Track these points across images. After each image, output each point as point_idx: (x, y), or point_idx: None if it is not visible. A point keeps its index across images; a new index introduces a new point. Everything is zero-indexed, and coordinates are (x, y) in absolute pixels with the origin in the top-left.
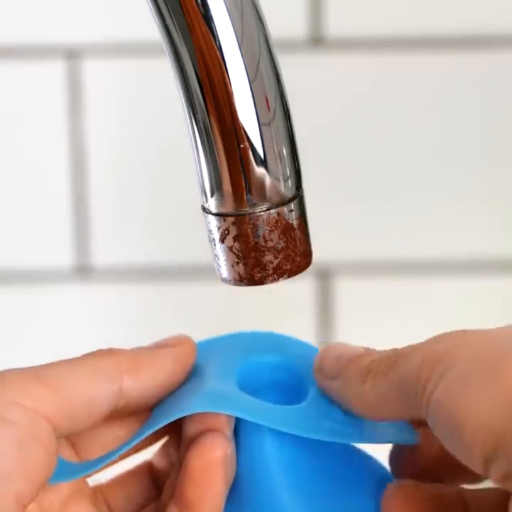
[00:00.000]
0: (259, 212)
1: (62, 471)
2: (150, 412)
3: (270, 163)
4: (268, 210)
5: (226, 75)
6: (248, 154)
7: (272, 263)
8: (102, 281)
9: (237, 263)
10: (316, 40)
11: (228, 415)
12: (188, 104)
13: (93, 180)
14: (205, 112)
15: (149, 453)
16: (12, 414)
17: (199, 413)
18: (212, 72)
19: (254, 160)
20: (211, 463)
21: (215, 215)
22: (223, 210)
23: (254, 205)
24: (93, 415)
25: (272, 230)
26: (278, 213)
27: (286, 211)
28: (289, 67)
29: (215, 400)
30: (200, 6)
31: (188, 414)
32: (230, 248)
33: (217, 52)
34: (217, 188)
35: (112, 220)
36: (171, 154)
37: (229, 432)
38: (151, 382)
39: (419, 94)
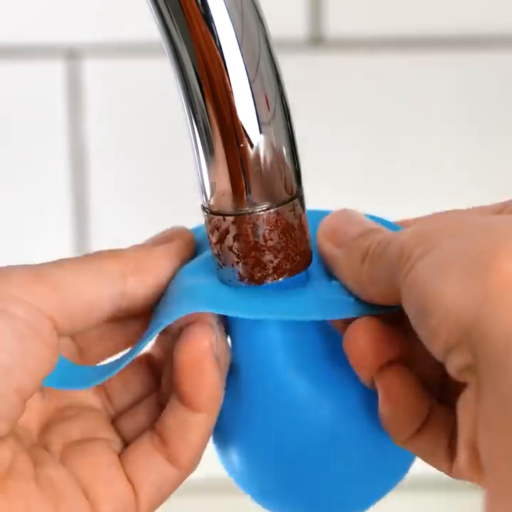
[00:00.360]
0: (259, 211)
1: (73, 376)
2: (151, 312)
3: (270, 162)
4: (268, 209)
5: (226, 74)
6: (248, 154)
7: (272, 262)
8: None
9: (237, 262)
10: (316, 40)
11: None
12: (187, 104)
13: (93, 180)
14: (205, 112)
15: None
16: (14, 308)
17: None
18: (212, 72)
19: (254, 159)
20: (199, 354)
21: (214, 214)
22: (223, 210)
23: (254, 204)
24: (95, 317)
25: (271, 230)
26: (278, 213)
27: (286, 211)
28: (289, 67)
29: (207, 300)
30: (200, 6)
31: (183, 315)
32: (230, 248)
33: (217, 52)
34: (216, 187)
35: (111, 220)
36: (171, 154)
37: (214, 320)
38: (154, 282)
39: (419, 94)
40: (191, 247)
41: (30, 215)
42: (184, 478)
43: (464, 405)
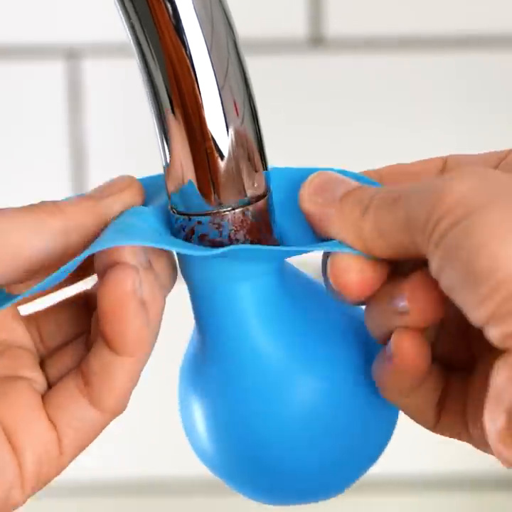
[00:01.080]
0: (224, 211)
1: None
2: None
3: (237, 163)
4: (233, 209)
5: (195, 81)
6: (214, 155)
7: None
8: None
9: None
10: (316, 40)
11: (135, 246)
12: (155, 107)
13: (93, 180)
14: (172, 113)
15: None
16: None
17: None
18: (180, 76)
19: (221, 160)
20: (120, 297)
21: (180, 214)
22: (189, 210)
23: (220, 204)
24: (34, 270)
25: (237, 230)
26: (243, 213)
27: (252, 211)
28: (289, 67)
29: (117, 235)
30: (170, 14)
31: (96, 251)
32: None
33: (187, 61)
34: (183, 187)
35: None
36: None
37: (140, 263)
38: (96, 236)
39: (419, 93)
40: (140, 199)
41: None
42: (108, 422)
43: (508, 369)
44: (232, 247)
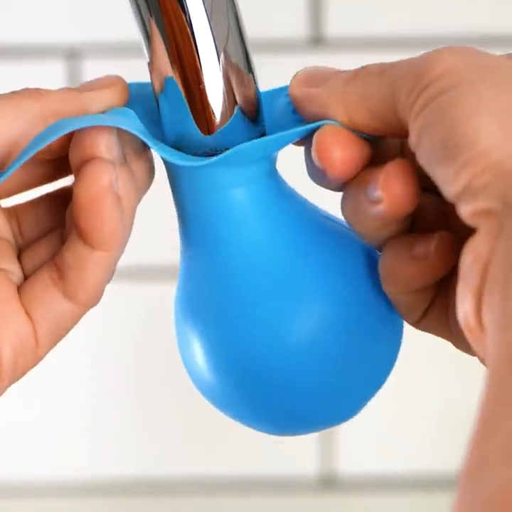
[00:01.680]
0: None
1: None
2: None
3: (226, 74)
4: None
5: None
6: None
7: None
8: None
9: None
10: (316, 40)
11: (111, 140)
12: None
13: None
14: (155, 20)
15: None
16: None
17: (79, 139)
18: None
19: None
20: (96, 191)
21: None
22: None
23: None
24: (7, 152)
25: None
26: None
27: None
28: (289, 67)
29: (98, 118)
30: None
31: (71, 130)
32: None
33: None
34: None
35: None
36: None
37: (111, 156)
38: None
39: None
40: (124, 98)
41: None
42: (82, 315)
43: (473, 251)
44: (226, 153)
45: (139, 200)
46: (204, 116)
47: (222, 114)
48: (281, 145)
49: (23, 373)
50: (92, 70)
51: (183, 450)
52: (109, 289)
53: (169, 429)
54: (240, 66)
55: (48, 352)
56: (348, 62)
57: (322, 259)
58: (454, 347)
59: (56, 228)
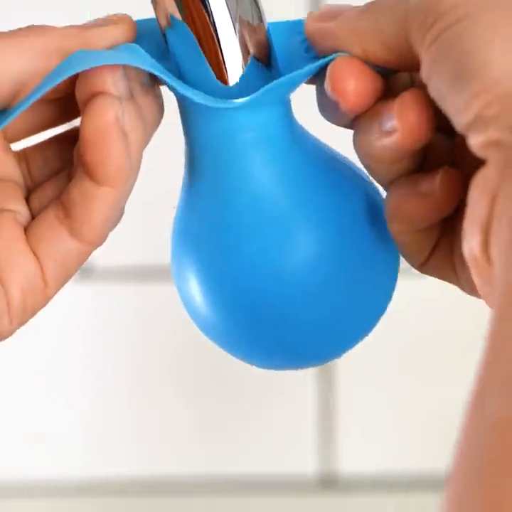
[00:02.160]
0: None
1: None
2: None
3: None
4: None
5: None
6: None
7: None
8: (102, 281)
9: None
10: None
11: (118, 75)
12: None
13: None
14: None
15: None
16: None
17: (85, 75)
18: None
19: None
20: (102, 126)
21: None
22: None
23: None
24: (10, 91)
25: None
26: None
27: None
28: None
29: (107, 55)
30: None
31: (80, 70)
32: None
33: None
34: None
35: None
36: (170, 153)
37: (118, 91)
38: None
39: None
40: (132, 36)
41: None
42: (89, 253)
43: (482, 183)
44: (251, 98)
45: (147, 137)
46: (218, 66)
47: (237, 64)
48: (297, 83)
49: (33, 314)
50: None
51: (182, 450)
52: (109, 288)
53: (168, 429)
54: (252, 15)
55: (56, 292)
56: None
57: (325, 196)
58: (454, 348)
59: (64, 169)
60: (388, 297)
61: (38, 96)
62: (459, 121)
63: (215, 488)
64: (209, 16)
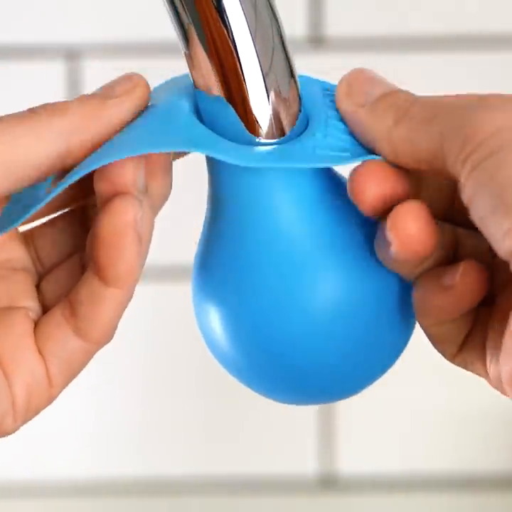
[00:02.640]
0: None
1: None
2: None
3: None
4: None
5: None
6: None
7: None
8: None
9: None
10: (316, 40)
11: (139, 171)
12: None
13: None
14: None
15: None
16: None
17: (107, 172)
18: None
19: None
20: (120, 228)
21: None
22: None
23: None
24: (33, 177)
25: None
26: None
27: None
28: None
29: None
30: None
31: (101, 165)
32: None
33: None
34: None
35: None
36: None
37: (138, 190)
38: (99, 139)
39: (419, 93)
40: (145, 101)
41: None
42: (94, 353)
43: None
44: (280, 166)
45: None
46: (251, 125)
47: (269, 127)
48: (316, 166)
49: (36, 413)
50: (92, 70)
51: (184, 450)
52: None
53: (169, 430)
54: (285, 87)
55: (61, 391)
56: (348, 62)
57: (348, 244)
58: None
59: (75, 252)
60: (407, 337)
61: (59, 190)
62: (500, 248)
63: (215, 488)
64: (246, 92)
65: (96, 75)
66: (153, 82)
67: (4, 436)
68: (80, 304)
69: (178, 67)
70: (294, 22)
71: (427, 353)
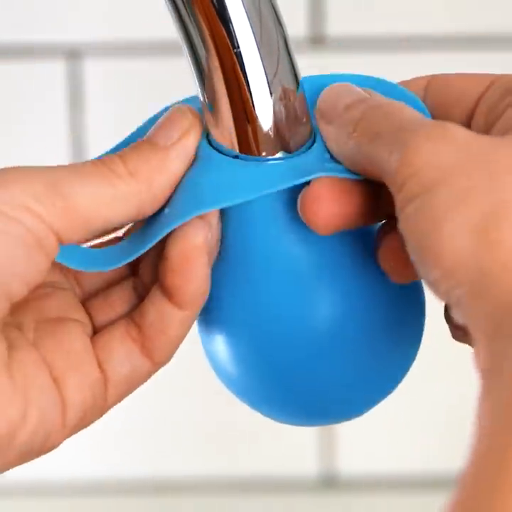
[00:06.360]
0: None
1: (84, 259)
2: None
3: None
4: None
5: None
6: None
7: None
8: None
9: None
10: (316, 40)
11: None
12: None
13: None
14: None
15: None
16: (18, 213)
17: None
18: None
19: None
20: (192, 250)
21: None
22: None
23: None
24: (107, 230)
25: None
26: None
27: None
28: None
29: (196, 206)
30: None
31: (179, 224)
32: None
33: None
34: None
35: None
36: None
37: (212, 216)
38: (166, 194)
39: None
40: (199, 138)
41: None
42: (154, 372)
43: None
44: (282, 187)
45: None
46: (251, 146)
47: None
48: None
49: (87, 426)
50: (93, 69)
51: (184, 450)
52: None
53: (169, 430)
54: (294, 106)
55: (112, 407)
56: (348, 62)
57: (350, 266)
58: (454, 347)
59: (118, 280)
60: (414, 354)
61: (147, 248)
62: (435, 291)
63: (215, 488)
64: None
65: (97, 74)
66: (154, 82)
67: (50, 450)
68: (150, 325)
69: (178, 67)
70: (294, 22)
71: (427, 354)
